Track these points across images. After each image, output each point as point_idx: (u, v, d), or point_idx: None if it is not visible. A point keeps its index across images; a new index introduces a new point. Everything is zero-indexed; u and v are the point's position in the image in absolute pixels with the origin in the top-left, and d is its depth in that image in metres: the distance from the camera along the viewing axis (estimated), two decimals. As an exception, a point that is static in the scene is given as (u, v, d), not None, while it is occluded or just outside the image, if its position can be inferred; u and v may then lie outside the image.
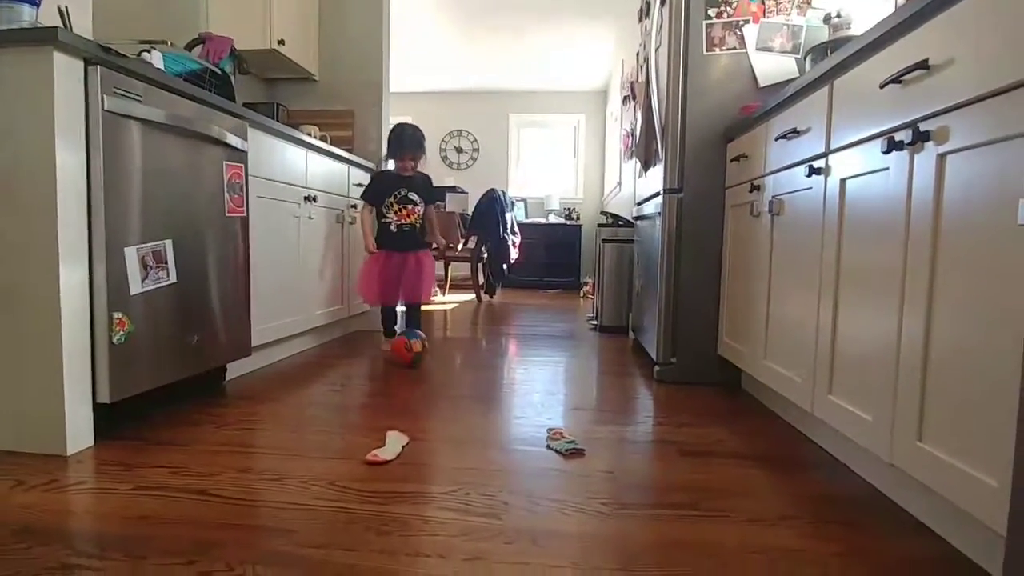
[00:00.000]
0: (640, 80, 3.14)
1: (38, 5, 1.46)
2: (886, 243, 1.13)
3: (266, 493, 1.20)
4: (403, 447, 1.45)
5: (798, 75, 2.07)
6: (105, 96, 1.40)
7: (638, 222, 3.09)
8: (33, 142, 1.30)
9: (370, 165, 3.25)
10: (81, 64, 1.36)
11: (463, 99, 7.36)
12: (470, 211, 5.34)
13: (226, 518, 1.09)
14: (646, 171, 2.82)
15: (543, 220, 6.97)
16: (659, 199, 2.31)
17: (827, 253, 1.37)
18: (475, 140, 7.43)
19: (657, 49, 2.43)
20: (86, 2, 2.02)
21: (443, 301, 5.18)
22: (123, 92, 1.45)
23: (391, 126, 2.72)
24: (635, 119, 3.35)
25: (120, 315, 1.46)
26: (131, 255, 1.50)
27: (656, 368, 2.29)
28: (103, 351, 1.42)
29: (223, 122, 1.86)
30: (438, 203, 4.82)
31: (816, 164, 1.43)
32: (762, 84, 2.13)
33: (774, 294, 1.70)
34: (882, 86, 1.11)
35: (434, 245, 2.85)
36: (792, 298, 1.58)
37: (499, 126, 7.39)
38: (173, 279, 1.65)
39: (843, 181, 1.31)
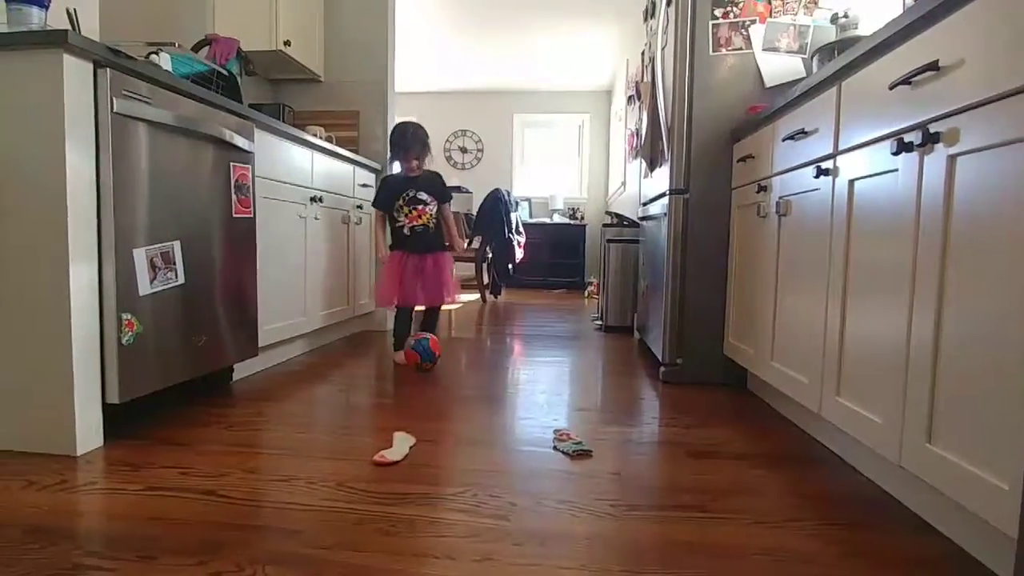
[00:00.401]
0: (645, 80, 3.13)
1: (47, 7, 1.47)
2: (895, 244, 1.12)
3: (274, 494, 1.20)
4: (410, 448, 1.46)
5: (805, 75, 2.06)
6: (114, 98, 1.40)
7: (644, 222, 3.09)
8: (43, 144, 1.31)
9: (375, 165, 3.26)
10: (91, 67, 1.37)
11: (467, 99, 7.36)
12: (474, 211, 5.34)
13: (235, 519, 1.09)
14: (652, 171, 2.82)
15: (547, 220, 6.97)
16: (665, 200, 2.31)
17: (835, 254, 1.37)
18: (479, 140, 7.43)
19: (663, 49, 2.43)
20: (93, 3, 2.03)
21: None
22: (132, 94, 1.46)
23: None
24: (640, 119, 3.34)
25: (129, 316, 1.47)
26: (140, 256, 1.51)
27: (662, 369, 2.28)
28: (112, 352, 1.43)
29: (230, 123, 1.86)
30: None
31: (824, 165, 1.42)
32: (768, 84, 2.13)
33: (781, 295, 1.70)
34: (891, 87, 1.11)
35: (450, 246, 2.65)
36: (799, 299, 1.57)
37: (503, 126, 7.38)
38: (181, 280, 1.65)
39: (851, 182, 1.31)
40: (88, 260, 1.38)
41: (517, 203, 5.74)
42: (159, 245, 1.58)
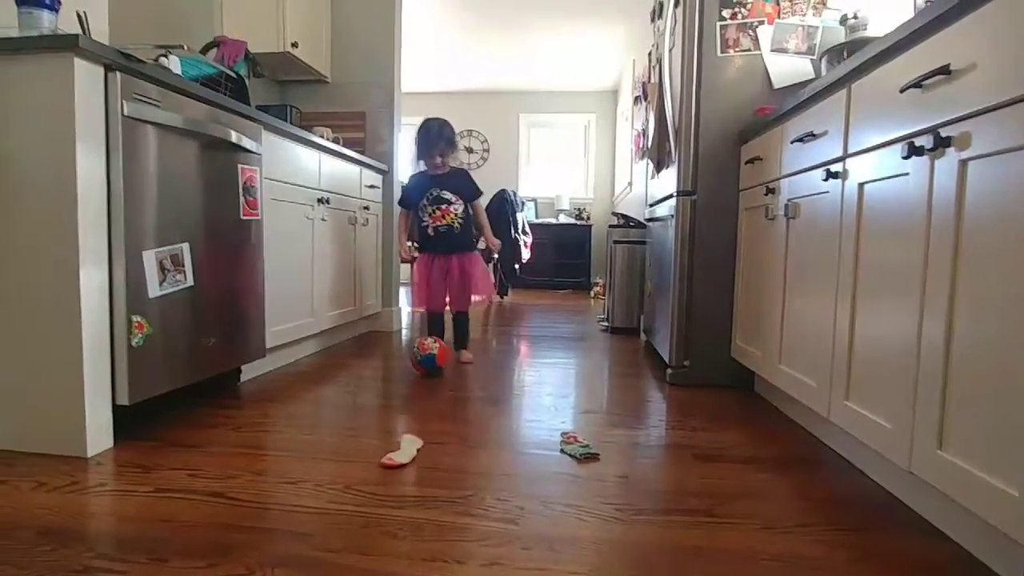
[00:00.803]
0: (653, 81, 3.13)
1: (57, 11, 1.48)
2: (906, 248, 1.12)
3: (282, 496, 1.21)
4: (417, 450, 1.46)
5: (813, 77, 2.05)
6: (125, 101, 1.41)
7: (650, 224, 3.08)
8: (55, 147, 1.32)
9: (382, 166, 3.26)
10: (102, 70, 1.38)
11: (473, 99, 7.36)
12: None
13: (243, 521, 1.10)
14: (658, 173, 2.81)
15: (553, 220, 6.96)
16: (672, 201, 2.30)
17: (845, 257, 1.36)
18: (485, 140, 7.43)
19: (670, 50, 2.42)
20: (103, 6, 2.05)
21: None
22: (142, 97, 1.47)
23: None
24: (647, 120, 3.33)
25: (138, 318, 1.48)
26: (149, 258, 1.52)
27: (668, 371, 2.28)
28: (122, 354, 1.44)
29: (238, 125, 1.87)
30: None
31: (834, 168, 1.42)
32: (777, 86, 2.12)
33: (789, 298, 1.69)
34: (902, 90, 1.10)
35: (482, 246, 2.57)
36: (808, 302, 1.57)
37: (509, 126, 7.38)
38: (190, 282, 1.66)
39: (861, 185, 1.30)
40: (98, 262, 1.39)
41: (523, 203, 5.74)
42: (168, 247, 1.59)
